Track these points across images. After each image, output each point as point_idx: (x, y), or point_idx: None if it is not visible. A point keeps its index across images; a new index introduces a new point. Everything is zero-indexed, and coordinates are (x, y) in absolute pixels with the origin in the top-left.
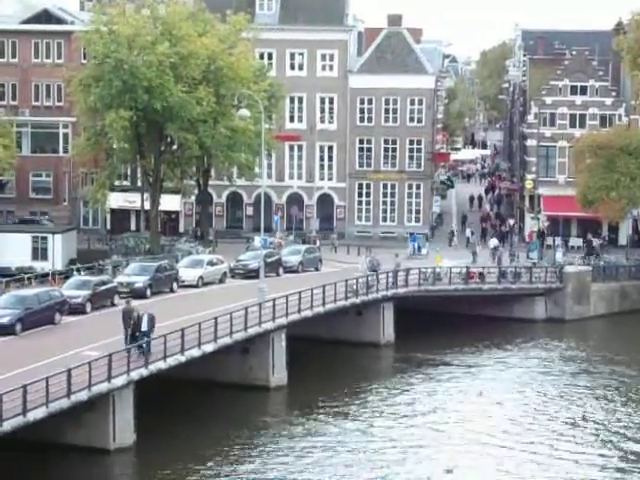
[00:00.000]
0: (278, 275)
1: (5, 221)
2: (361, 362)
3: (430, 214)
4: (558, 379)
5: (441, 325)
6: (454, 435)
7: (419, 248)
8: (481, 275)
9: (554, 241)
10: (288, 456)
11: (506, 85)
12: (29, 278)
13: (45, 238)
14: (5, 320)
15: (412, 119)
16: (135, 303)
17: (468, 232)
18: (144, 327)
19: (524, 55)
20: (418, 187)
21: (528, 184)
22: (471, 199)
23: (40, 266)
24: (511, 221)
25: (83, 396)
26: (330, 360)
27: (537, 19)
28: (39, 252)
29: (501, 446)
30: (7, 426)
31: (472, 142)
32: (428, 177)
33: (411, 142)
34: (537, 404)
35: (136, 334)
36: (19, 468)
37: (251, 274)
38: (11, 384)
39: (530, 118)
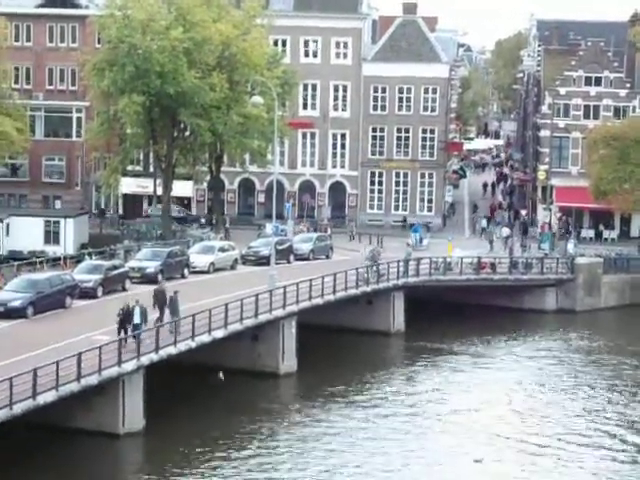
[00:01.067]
0: (289, 262)
1: (18, 205)
2: (371, 351)
3: (442, 203)
4: (568, 370)
5: (451, 315)
6: (464, 425)
7: (420, 239)
8: (492, 265)
9: (566, 232)
10: (296, 443)
11: (520, 75)
12: (41, 262)
13: (57, 222)
14: (17, 303)
15: (426, 108)
16: (148, 288)
17: (484, 222)
18: (136, 319)
19: (539, 45)
20: (431, 176)
21: (541, 175)
22: (484, 186)
23: (52, 250)
24: (523, 212)
25: (93, 380)
26: (340, 348)
27: (552, 9)
28: (51, 236)
29: (513, 438)
30: (17, 409)
31: (485, 132)
32: (441, 166)
33: (424, 131)
34: (547, 395)
35: (125, 325)
36: (30, 451)
37: (262, 261)
38: (22, 367)
39: (544, 108)
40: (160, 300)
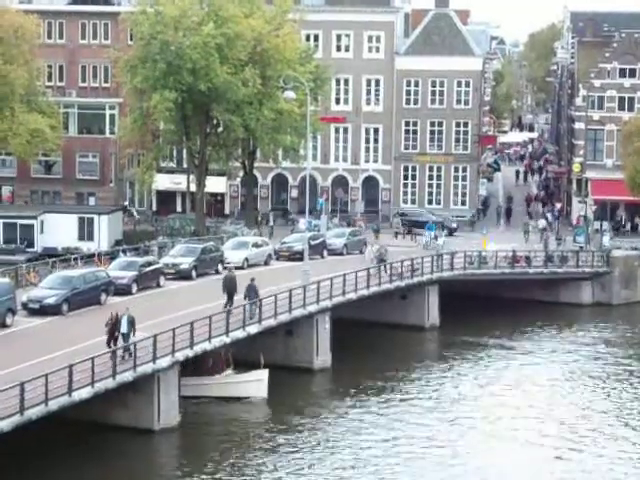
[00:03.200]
0: (322, 257)
1: (52, 202)
2: (405, 345)
3: (476, 197)
4: (605, 364)
5: (486, 309)
6: (501, 419)
7: (435, 237)
8: (527, 259)
9: (601, 225)
10: (330, 437)
11: (554, 67)
12: (75, 259)
13: (91, 219)
14: (52, 300)
15: (459, 101)
16: (182, 284)
17: (542, 222)
18: (123, 329)
19: (572, 37)
20: (464, 170)
21: (576, 168)
22: (517, 173)
23: (86, 247)
24: (558, 205)
25: (128, 377)
26: (374, 343)
27: (586, 1)
28: (85, 233)
29: (550, 432)
30: (53, 405)
31: (519, 125)
32: (474, 160)
33: (458, 124)
34: (584, 389)
35: (116, 335)
36: (66, 447)
37: (296, 256)
38: (57, 364)
39: (578, 101)
40: (229, 287)
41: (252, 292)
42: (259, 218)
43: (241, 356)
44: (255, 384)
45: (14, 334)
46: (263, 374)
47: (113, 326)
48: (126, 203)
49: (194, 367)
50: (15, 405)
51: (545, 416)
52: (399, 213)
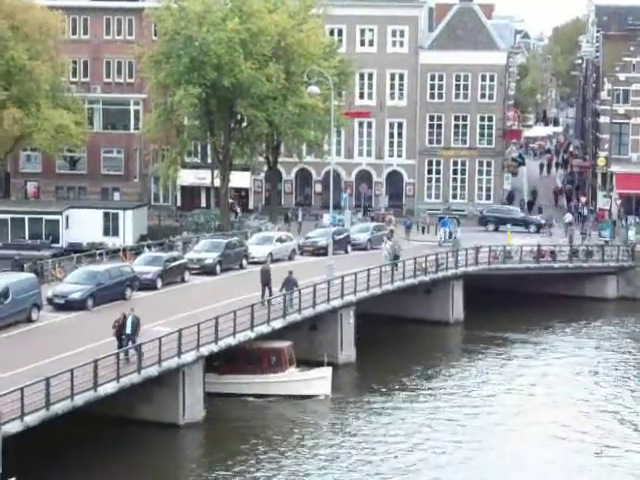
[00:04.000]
0: (346, 252)
1: (77, 197)
2: (430, 340)
3: (501, 191)
4: (629, 358)
5: (511, 304)
6: (527, 414)
7: (450, 234)
8: (552, 253)
9: (626, 219)
10: (353, 431)
11: (579, 61)
12: (100, 254)
13: (116, 214)
14: (77, 295)
15: (483, 95)
16: (206, 279)
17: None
18: (128, 330)
19: (597, 31)
20: (489, 164)
21: (600, 162)
22: (541, 166)
23: (111, 242)
24: (583, 199)
25: (153, 371)
26: (398, 338)
27: None
28: (110, 228)
29: (578, 427)
30: (79, 400)
31: (544, 119)
32: (499, 154)
33: (482, 119)
34: (609, 384)
35: (122, 336)
36: (91, 442)
37: (320, 251)
38: (83, 359)
39: (603, 95)
40: (265, 279)
41: (290, 284)
42: (289, 215)
43: (304, 354)
44: (319, 382)
45: (39, 329)
46: (327, 372)
47: (120, 328)
48: (231, 200)
49: (254, 365)
50: (41, 400)
51: (573, 410)
52: (447, 209)
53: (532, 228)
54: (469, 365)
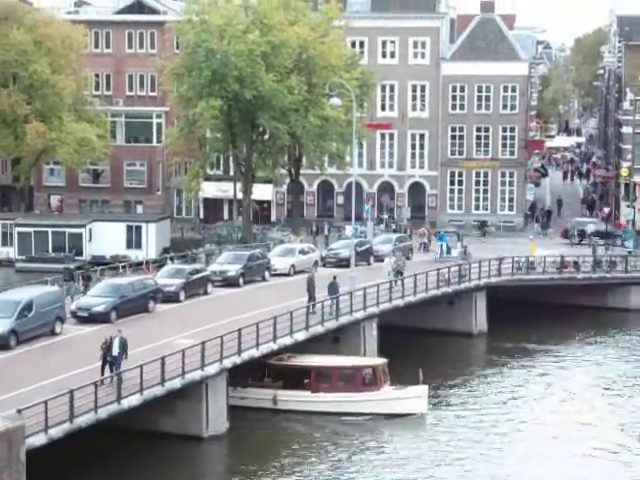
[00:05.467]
0: (369, 264)
1: (100, 210)
2: (453, 352)
3: (524, 202)
4: None
5: (534, 315)
6: (553, 425)
7: (448, 249)
8: (576, 264)
9: None
10: (379, 443)
11: (601, 71)
12: (124, 266)
13: (139, 227)
14: (100, 308)
15: (505, 106)
16: (229, 291)
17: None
18: (115, 351)
19: (619, 41)
20: (511, 175)
21: (623, 172)
22: (565, 174)
23: (134, 255)
24: (606, 209)
25: (176, 384)
26: (422, 349)
27: (633, 4)
28: (133, 241)
29: (604, 437)
30: (102, 413)
31: (566, 129)
32: (521, 165)
33: (504, 129)
34: (633, 394)
35: (107, 359)
36: (115, 455)
37: (342, 263)
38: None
39: (625, 105)
40: (310, 286)
41: (333, 289)
42: (313, 228)
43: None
44: (415, 400)
45: (63, 342)
46: (423, 390)
47: (107, 350)
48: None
49: (345, 382)
50: (65, 413)
51: (597, 421)
52: (481, 222)
53: (618, 241)
54: (493, 376)
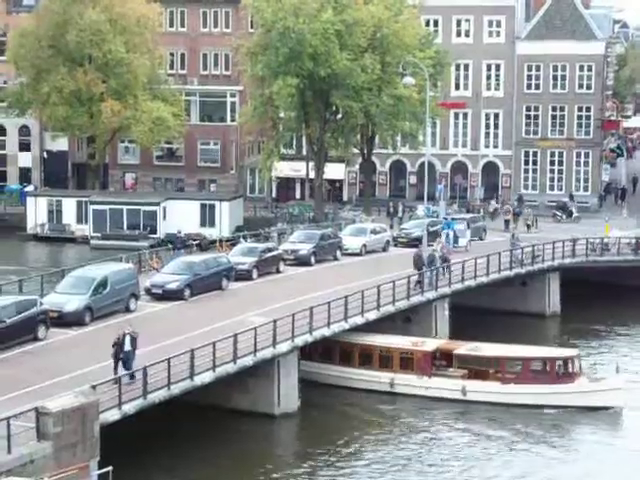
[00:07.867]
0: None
1: (175, 188)
2: (526, 333)
3: (599, 183)
4: None
5: (608, 297)
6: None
7: (455, 238)
8: None
9: None
10: (456, 423)
11: None
12: (197, 244)
13: (213, 206)
14: (174, 285)
15: (581, 86)
16: (301, 270)
17: None
18: (126, 347)
19: None
20: (587, 155)
21: None
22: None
23: (208, 233)
24: None
25: (248, 361)
26: (494, 330)
27: None
28: (207, 219)
29: None
30: (175, 389)
31: None
32: (597, 145)
33: (580, 109)
34: None
35: (120, 355)
36: (187, 431)
37: (414, 242)
38: (180, 348)
39: None
40: (417, 263)
41: (435, 261)
42: (391, 210)
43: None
44: (614, 393)
45: (137, 319)
46: (620, 381)
47: (119, 347)
48: (565, 200)
49: (540, 374)
50: (139, 389)
51: None
52: (563, 203)
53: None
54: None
